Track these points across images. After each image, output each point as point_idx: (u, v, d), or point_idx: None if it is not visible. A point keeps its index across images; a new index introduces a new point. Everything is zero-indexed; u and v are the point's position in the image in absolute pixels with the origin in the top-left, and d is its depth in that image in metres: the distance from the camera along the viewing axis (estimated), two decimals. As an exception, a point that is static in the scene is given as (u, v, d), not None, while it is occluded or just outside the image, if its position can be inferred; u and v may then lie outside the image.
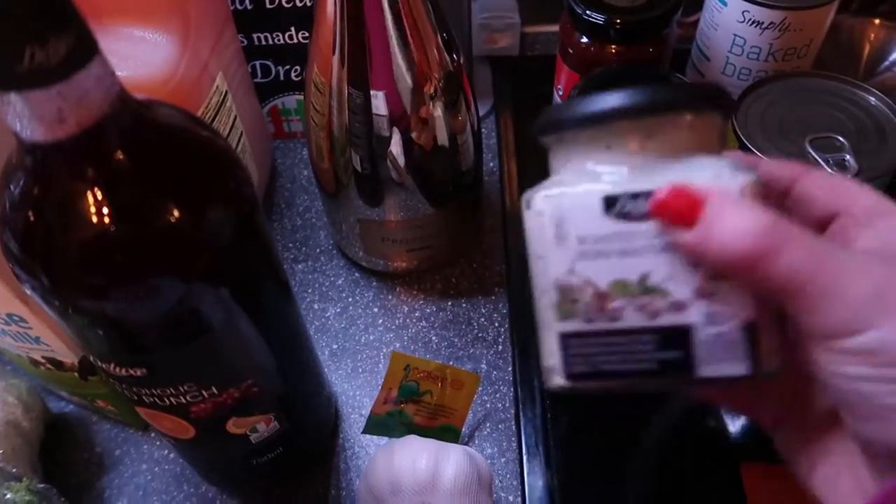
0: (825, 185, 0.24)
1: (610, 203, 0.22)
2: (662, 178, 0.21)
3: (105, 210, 0.24)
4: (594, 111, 0.22)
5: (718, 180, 0.21)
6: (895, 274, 0.20)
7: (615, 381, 0.23)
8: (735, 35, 0.50)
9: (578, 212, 0.22)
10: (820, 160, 0.43)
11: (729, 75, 0.52)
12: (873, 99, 0.46)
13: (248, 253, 0.30)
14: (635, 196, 0.22)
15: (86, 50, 0.22)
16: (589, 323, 0.23)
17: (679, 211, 0.20)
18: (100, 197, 0.24)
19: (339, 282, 0.54)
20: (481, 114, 0.63)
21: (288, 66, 0.58)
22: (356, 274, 0.54)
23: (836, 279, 0.19)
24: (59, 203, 0.25)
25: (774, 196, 0.25)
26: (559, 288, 0.23)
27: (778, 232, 0.19)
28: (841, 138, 0.44)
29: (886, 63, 0.55)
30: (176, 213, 0.26)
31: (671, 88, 0.24)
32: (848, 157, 0.43)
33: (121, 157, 0.24)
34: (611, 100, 0.22)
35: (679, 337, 0.22)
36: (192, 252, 0.27)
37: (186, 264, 0.27)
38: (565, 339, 0.23)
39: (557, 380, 0.23)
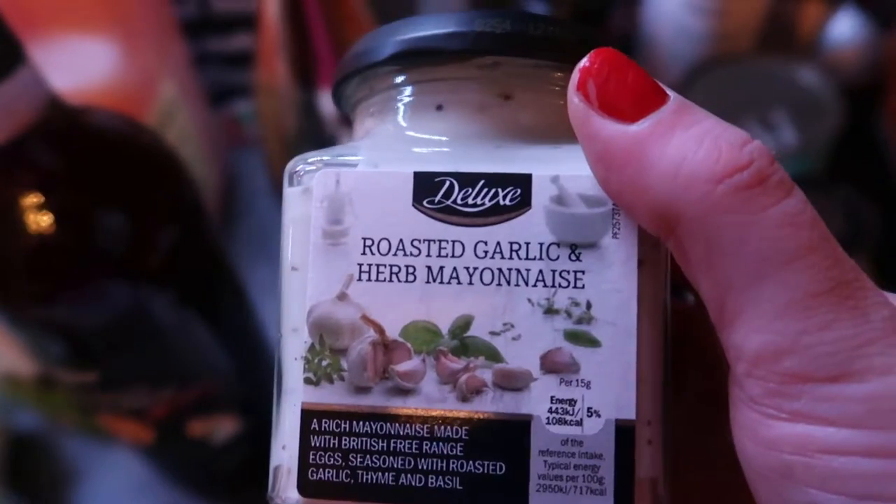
0: None
1: (424, 186, 0.14)
2: (514, 163, 0.14)
3: (45, 216, 0.25)
4: (420, 38, 0.14)
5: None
6: None
7: None
8: (678, 23, 0.51)
9: (371, 197, 0.14)
10: (760, 136, 0.44)
11: (676, 62, 0.54)
12: (808, 75, 0.48)
13: (192, 255, 0.30)
14: (469, 180, 0.14)
15: (11, 59, 0.22)
16: (357, 395, 0.14)
17: (623, 90, 0.13)
18: (38, 203, 0.25)
19: (302, 283, 0.54)
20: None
21: (241, 72, 0.58)
22: (319, 275, 0.54)
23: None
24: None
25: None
26: (316, 324, 0.14)
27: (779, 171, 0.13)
28: (779, 115, 0.45)
29: (826, 42, 0.57)
30: (115, 216, 0.26)
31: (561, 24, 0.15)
32: (786, 132, 0.44)
33: (56, 162, 0.25)
34: (445, 22, 0.14)
35: (507, 438, 0.13)
36: (133, 255, 0.27)
37: (129, 267, 0.27)
38: (311, 417, 0.14)
39: (287, 494, 0.15)
